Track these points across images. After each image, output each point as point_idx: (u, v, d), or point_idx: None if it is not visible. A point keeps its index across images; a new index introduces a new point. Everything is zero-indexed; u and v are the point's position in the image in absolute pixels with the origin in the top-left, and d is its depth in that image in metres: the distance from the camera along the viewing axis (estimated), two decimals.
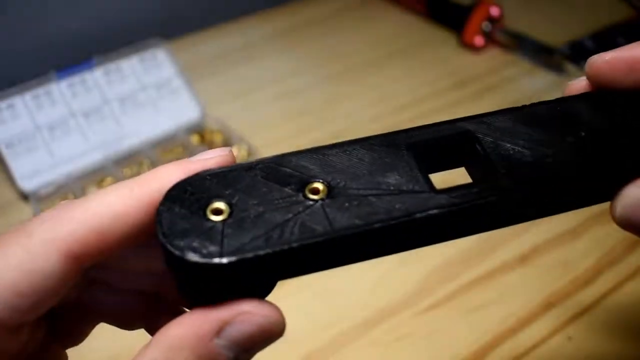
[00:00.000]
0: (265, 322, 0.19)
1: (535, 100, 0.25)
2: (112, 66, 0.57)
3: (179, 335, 0.19)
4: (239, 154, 0.55)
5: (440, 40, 0.72)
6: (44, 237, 0.19)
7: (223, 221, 0.19)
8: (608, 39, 0.71)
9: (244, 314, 0.19)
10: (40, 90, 0.55)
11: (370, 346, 0.41)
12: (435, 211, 0.20)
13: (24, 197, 0.53)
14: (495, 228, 0.22)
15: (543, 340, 0.41)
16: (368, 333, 0.42)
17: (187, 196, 0.20)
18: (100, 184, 0.54)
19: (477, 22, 0.68)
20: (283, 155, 0.21)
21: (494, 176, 0.21)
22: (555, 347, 0.40)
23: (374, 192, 0.20)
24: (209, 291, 0.19)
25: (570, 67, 0.66)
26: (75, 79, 0.56)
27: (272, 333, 0.19)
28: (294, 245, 0.19)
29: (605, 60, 0.24)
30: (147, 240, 0.21)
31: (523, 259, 0.46)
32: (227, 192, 0.20)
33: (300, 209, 0.20)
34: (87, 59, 0.57)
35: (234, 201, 0.20)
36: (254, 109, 0.63)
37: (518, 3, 0.76)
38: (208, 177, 0.21)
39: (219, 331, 0.19)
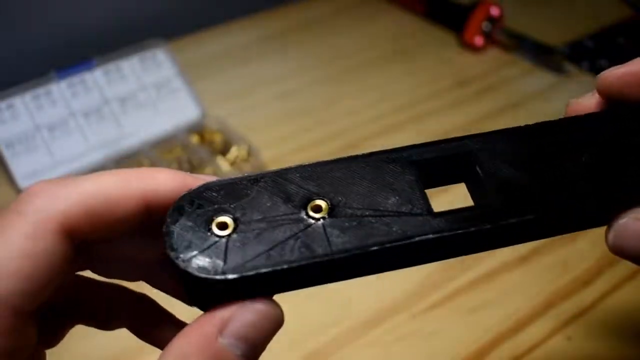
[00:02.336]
0: (262, 312, 0.20)
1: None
2: (112, 66, 0.57)
3: (185, 344, 0.19)
4: (239, 154, 0.55)
5: (440, 40, 0.72)
6: (38, 216, 0.19)
7: (227, 236, 0.20)
8: (608, 39, 0.71)
9: (242, 309, 0.19)
10: (40, 90, 0.55)
11: (370, 346, 0.41)
12: (430, 236, 0.21)
13: None
14: (490, 249, 0.22)
15: (543, 341, 0.41)
16: (368, 333, 0.42)
17: (194, 208, 0.21)
18: None
19: (477, 22, 0.68)
20: (288, 170, 0.22)
21: (490, 202, 0.22)
22: (554, 348, 0.40)
23: (373, 212, 0.21)
24: (213, 298, 0.20)
25: (570, 67, 0.66)
26: (75, 79, 0.56)
27: (270, 322, 0.20)
28: (294, 265, 0.20)
29: (617, 76, 0.25)
30: (134, 230, 0.21)
31: (523, 259, 0.46)
32: (232, 206, 0.21)
33: (302, 227, 0.21)
34: (87, 59, 0.57)
35: (238, 215, 0.21)
36: (254, 109, 0.63)
37: (518, 3, 0.76)
38: (215, 188, 0.21)
39: (221, 329, 0.19)
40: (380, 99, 0.63)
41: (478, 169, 0.23)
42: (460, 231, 0.21)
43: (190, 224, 0.20)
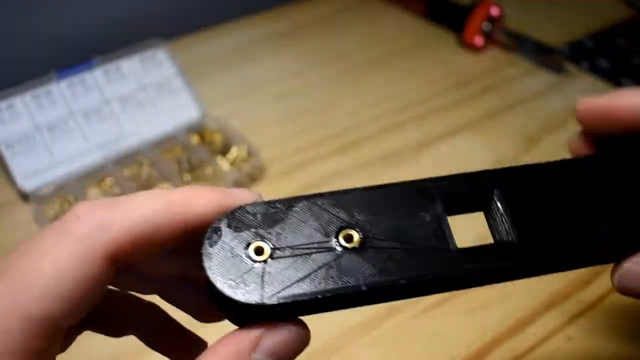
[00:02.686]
0: (294, 332, 0.21)
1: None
2: (112, 66, 0.57)
3: (220, 357, 0.20)
4: (239, 154, 0.55)
5: (440, 40, 0.72)
6: (89, 242, 0.20)
7: (264, 262, 0.21)
8: (608, 39, 0.71)
9: (275, 328, 0.21)
10: (40, 90, 0.55)
11: (371, 346, 0.41)
12: (454, 273, 0.22)
13: (24, 197, 0.53)
14: (506, 282, 0.24)
15: (543, 341, 0.41)
16: (368, 333, 0.42)
17: (232, 231, 0.22)
18: (100, 184, 0.54)
19: (477, 22, 0.68)
20: (321, 195, 0.23)
21: (508, 239, 0.24)
22: (555, 348, 0.40)
23: (402, 245, 0.23)
24: (247, 318, 0.21)
25: (570, 67, 0.66)
26: (75, 79, 0.56)
27: (299, 342, 0.21)
28: (327, 295, 0.21)
29: (584, 106, 0.27)
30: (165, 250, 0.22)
31: None
32: (267, 231, 0.22)
33: (334, 256, 0.22)
34: (87, 59, 0.57)
35: (273, 241, 0.22)
36: (254, 109, 0.63)
37: (518, 3, 0.76)
38: (251, 211, 0.22)
39: (255, 346, 0.20)
40: (380, 99, 0.63)
41: (497, 202, 0.24)
42: (482, 269, 0.23)
43: (227, 247, 0.21)
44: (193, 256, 0.23)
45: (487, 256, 0.23)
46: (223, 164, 0.55)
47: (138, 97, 0.58)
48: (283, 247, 0.22)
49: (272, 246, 0.22)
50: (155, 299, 0.26)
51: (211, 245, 0.21)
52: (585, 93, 0.63)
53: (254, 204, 0.22)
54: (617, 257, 0.24)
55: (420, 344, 0.41)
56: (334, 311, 0.22)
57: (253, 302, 0.21)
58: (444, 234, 0.23)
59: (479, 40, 0.69)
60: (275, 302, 0.21)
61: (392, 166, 0.55)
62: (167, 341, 0.26)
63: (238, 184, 0.53)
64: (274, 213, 0.22)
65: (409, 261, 0.22)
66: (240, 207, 0.22)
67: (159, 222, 0.21)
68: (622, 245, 0.24)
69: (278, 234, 0.22)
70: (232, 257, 0.21)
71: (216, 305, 0.22)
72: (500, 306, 0.43)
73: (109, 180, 0.54)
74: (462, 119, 0.60)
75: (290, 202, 0.23)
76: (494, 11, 0.69)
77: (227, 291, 0.21)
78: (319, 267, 0.22)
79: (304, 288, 0.21)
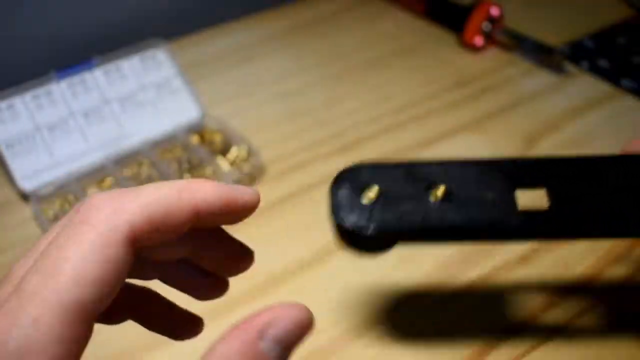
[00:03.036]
0: (298, 317, 0.21)
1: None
2: (112, 66, 0.57)
3: (229, 347, 0.20)
4: (239, 154, 0.55)
5: (440, 40, 0.72)
6: (108, 227, 0.21)
7: (372, 203, 0.30)
8: (608, 39, 0.71)
9: (281, 316, 0.21)
10: (40, 90, 0.55)
11: (371, 346, 0.41)
12: (516, 224, 0.30)
13: (24, 197, 0.53)
14: (557, 238, 0.33)
15: (543, 341, 0.41)
16: (368, 333, 0.42)
17: (351, 180, 0.31)
18: (100, 184, 0.54)
19: (477, 22, 0.68)
20: (420, 161, 0.32)
21: (561, 207, 0.30)
22: (555, 348, 0.40)
23: (479, 201, 0.30)
24: (359, 244, 0.30)
25: (570, 67, 0.66)
26: (75, 79, 0.56)
27: (305, 326, 0.22)
28: (417, 227, 0.30)
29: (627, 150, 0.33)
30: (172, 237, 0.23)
31: (523, 259, 0.46)
32: (377, 181, 0.31)
33: (424, 203, 0.30)
34: (87, 59, 0.57)
35: (381, 189, 0.30)
36: (254, 109, 0.63)
37: (518, 3, 0.76)
38: (366, 168, 0.31)
39: (262, 334, 0.21)
40: (380, 99, 0.63)
41: (555, 180, 0.31)
42: (539, 224, 0.30)
43: (348, 191, 0.30)
44: (195, 241, 0.25)
45: (544, 216, 0.30)
46: (223, 164, 0.55)
47: (138, 97, 0.58)
48: (387, 194, 0.30)
49: (379, 192, 0.30)
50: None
51: (336, 190, 0.30)
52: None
53: (368, 164, 0.31)
54: None
55: (421, 344, 0.41)
56: (419, 244, 0.31)
57: (361, 232, 0.29)
58: (511, 199, 0.30)
59: (479, 40, 0.69)
60: (377, 231, 0.29)
61: None
62: (164, 321, 0.27)
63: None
64: (383, 171, 0.31)
65: (483, 212, 0.30)
66: (358, 165, 0.31)
67: (170, 204, 0.22)
68: None
69: (384, 184, 0.30)
70: (350, 198, 0.30)
71: (335, 233, 0.30)
72: (501, 306, 0.43)
73: (109, 180, 0.54)
74: (462, 119, 0.60)
75: (394, 164, 0.31)
76: (494, 11, 0.69)
77: (345, 222, 0.29)
78: (413, 209, 0.30)
79: (400, 223, 0.29)
